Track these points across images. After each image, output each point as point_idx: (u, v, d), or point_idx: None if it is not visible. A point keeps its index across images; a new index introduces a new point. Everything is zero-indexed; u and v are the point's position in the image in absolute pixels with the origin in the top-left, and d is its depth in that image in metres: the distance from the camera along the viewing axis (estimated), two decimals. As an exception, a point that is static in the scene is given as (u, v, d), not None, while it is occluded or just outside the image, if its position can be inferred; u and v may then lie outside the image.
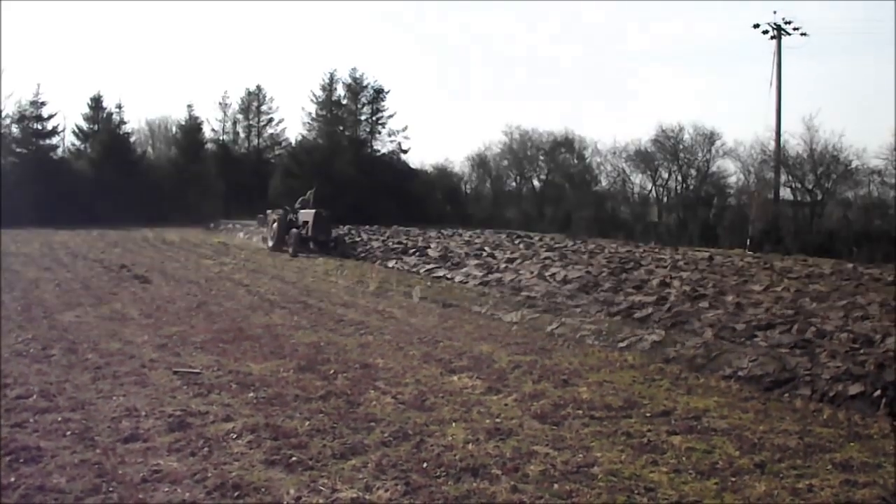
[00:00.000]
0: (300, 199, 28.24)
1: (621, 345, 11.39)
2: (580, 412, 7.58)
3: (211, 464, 5.82)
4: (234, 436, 6.45)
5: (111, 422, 6.76)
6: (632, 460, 6.25)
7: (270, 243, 27.43)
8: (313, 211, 26.63)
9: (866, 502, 5.60)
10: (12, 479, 5.34)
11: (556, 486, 5.67)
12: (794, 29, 43.48)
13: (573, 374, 9.34)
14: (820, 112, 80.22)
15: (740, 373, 9.62)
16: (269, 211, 29.61)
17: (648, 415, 7.64)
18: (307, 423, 6.91)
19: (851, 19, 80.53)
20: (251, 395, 7.85)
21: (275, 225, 27.31)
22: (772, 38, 43.58)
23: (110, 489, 5.29)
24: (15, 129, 48.31)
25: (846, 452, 6.63)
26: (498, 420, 7.27)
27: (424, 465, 5.99)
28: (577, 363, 10.02)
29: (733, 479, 5.94)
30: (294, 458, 5.95)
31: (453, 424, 7.10)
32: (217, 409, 7.27)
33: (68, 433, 6.37)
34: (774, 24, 43.36)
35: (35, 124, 47.89)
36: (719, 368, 9.87)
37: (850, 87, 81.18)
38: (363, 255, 25.80)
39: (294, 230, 26.18)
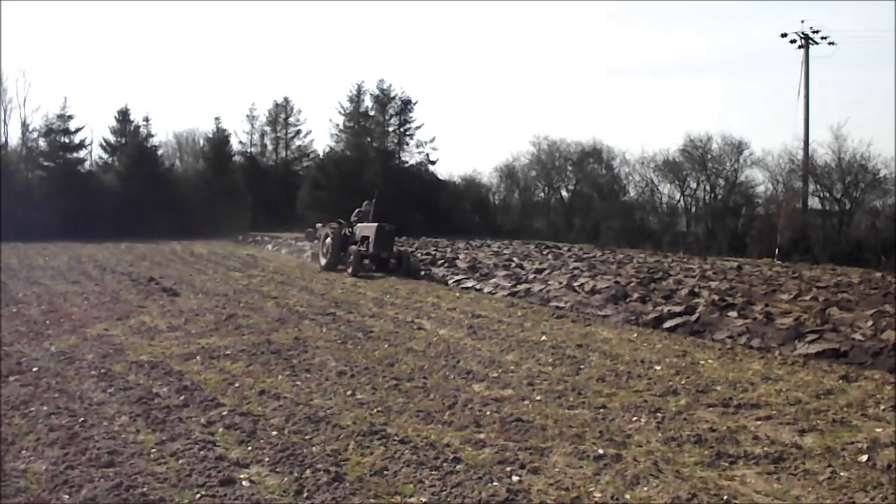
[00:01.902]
0: (356, 210, 25.03)
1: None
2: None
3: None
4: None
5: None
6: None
7: (323, 261, 24.39)
8: (374, 225, 23.26)
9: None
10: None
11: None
12: (822, 38, 43.43)
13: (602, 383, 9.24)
14: (848, 121, 79.87)
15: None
16: (318, 224, 26.68)
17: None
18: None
19: (879, 28, 79.92)
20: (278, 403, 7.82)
21: (328, 240, 24.22)
22: (799, 47, 43.55)
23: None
24: (42, 143, 48.79)
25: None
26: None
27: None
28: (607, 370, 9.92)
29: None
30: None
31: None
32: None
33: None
34: (802, 33, 43.33)
35: (62, 138, 48.25)
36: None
37: (878, 95, 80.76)
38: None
39: (353, 246, 23.31)
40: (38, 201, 41.39)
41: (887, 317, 13.88)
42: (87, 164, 50.93)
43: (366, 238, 23.33)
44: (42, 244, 31.94)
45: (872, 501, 5.69)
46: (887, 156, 54.37)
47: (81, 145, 49.89)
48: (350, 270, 22.49)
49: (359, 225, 24.24)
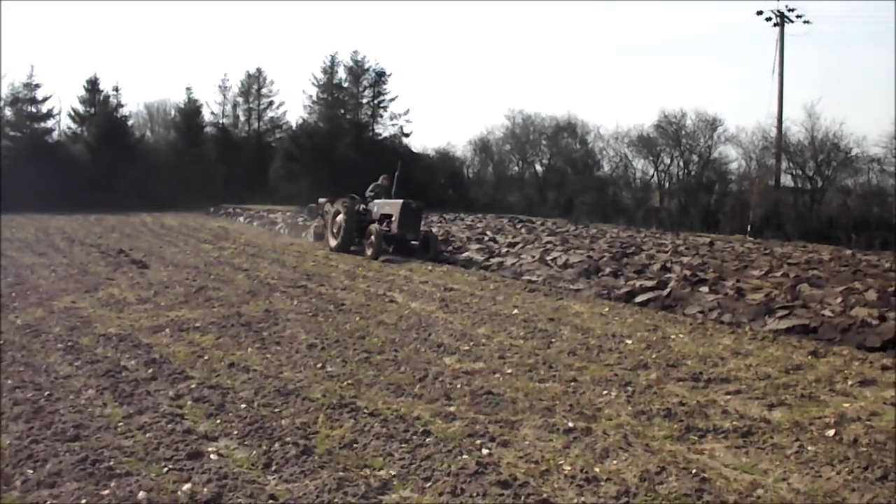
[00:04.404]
0: (372, 184, 22.67)
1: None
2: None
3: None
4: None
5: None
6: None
7: (333, 242, 21.43)
8: (399, 202, 20.48)
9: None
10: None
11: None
12: (798, 17, 43.60)
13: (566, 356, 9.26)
14: (821, 100, 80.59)
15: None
16: (322, 199, 24.00)
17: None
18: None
19: (854, 9, 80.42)
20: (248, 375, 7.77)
21: (339, 217, 21.29)
22: (775, 25, 43.72)
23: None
24: (8, 112, 47.85)
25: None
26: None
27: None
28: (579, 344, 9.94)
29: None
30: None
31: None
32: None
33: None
34: (778, 11, 43.46)
35: (29, 107, 47.48)
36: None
37: (851, 75, 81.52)
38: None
39: (374, 226, 20.37)
40: (5, 172, 40.68)
41: (856, 293, 14.05)
42: (55, 135, 50.09)
43: (387, 217, 20.78)
44: (9, 216, 31.44)
45: (839, 475, 5.72)
46: (859, 135, 55.19)
47: (49, 115, 49.08)
48: (371, 253, 19.86)
49: (377, 202, 21.63)
